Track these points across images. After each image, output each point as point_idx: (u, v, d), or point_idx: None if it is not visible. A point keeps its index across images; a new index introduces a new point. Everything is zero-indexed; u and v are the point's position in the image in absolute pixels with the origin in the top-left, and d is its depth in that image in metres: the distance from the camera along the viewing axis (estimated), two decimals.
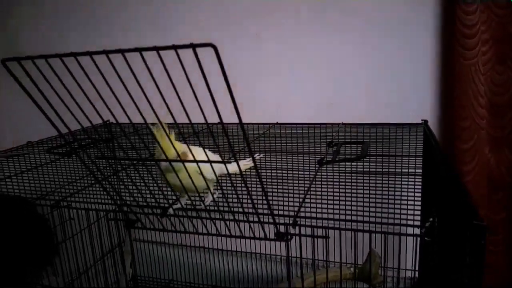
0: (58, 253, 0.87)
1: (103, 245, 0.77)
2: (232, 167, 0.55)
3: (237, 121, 0.39)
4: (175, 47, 0.33)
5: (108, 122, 0.55)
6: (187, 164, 0.47)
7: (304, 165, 0.96)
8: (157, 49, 0.34)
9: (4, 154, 0.94)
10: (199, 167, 0.47)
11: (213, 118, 0.42)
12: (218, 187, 0.57)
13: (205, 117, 0.40)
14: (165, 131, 0.49)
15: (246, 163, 0.73)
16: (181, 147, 0.54)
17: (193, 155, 0.46)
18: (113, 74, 0.38)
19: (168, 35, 1.21)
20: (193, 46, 0.33)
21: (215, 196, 0.57)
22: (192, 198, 0.57)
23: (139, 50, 0.34)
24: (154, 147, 0.66)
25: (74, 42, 1.29)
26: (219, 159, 0.50)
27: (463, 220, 0.46)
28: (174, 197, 0.60)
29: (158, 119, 0.45)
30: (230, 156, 0.55)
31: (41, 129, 1.03)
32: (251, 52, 1.15)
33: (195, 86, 0.37)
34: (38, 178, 0.85)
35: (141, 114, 0.40)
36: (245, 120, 0.43)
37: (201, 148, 0.55)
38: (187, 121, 0.41)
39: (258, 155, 0.77)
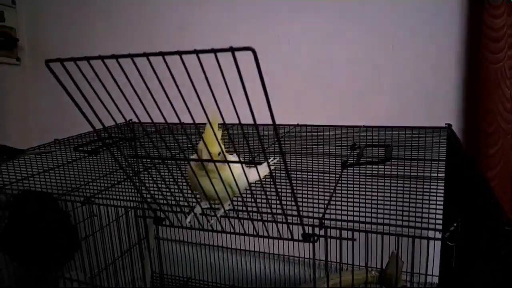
0: (81, 248, 0.90)
1: (130, 240, 0.79)
2: (253, 176, 0.55)
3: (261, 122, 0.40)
4: (214, 51, 0.34)
5: (131, 121, 0.56)
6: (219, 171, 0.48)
7: (325, 167, 0.96)
8: (196, 52, 0.35)
9: (33, 151, 0.96)
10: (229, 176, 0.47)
11: (232, 119, 0.43)
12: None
13: (239, 118, 0.41)
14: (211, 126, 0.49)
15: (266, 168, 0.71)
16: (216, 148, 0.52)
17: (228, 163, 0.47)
18: (150, 75, 0.39)
19: (191, 37, 1.23)
20: (232, 50, 0.34)
21: (226, 208, 0.58)
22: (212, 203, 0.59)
23: (180, 53, 0.35)
24: (186, 146, 0.67)
25: (105, 47, 1.33)
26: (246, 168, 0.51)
27: (494, 226, 0.45)
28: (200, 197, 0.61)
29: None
30: (256, 155, 0.56)
31: (68, 127, 1.07)
32: (272, 53, 1.15)
33: (215, 87, 0.38)
34: (65, 175, 0.88)
35: (176, 114, 0.42)
36: (265, 121, 0.44)
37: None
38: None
39: (274, 159, 0.77)
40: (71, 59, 0.40)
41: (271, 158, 0.75)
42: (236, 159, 0.52)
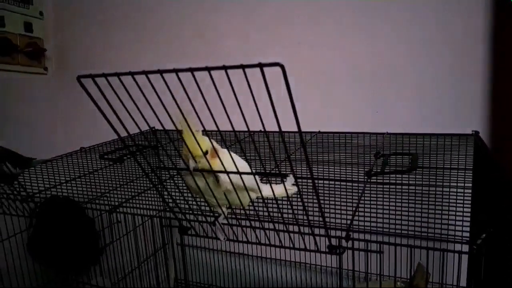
0: (104, 254, 0.91)
1: (156, 246, 0.80)
2: (276, 190, 0.53)
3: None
4: (243, 67, 0.35)
5: (154, 129, 0.57)
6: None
7: (347, 175, 0.95)
8: (225, 68, 0.35)
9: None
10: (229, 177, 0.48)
11: (253, 126, 0.44)
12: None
13: (263, 125, 0.41)
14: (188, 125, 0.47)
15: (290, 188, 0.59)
16: (206, 144, 0.51)
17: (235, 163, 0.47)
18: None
19: (214, 46, 1.25)
20: (261, 66, 0.34)
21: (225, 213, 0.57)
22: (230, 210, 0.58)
23: (208, 69, 0.36)
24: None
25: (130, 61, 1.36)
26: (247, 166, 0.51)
27: None
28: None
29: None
30: (276, 164, 0.55)
31: (94, 135, 1.10)
32: (292, 58, 1.15)
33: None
34: (91, 182, 0.90)
35: (200, 121, 0.42)
36: (284, 128, 0.44)
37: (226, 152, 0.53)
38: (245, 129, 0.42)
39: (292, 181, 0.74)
40: (103, 75, 0.41)
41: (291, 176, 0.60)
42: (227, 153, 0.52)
